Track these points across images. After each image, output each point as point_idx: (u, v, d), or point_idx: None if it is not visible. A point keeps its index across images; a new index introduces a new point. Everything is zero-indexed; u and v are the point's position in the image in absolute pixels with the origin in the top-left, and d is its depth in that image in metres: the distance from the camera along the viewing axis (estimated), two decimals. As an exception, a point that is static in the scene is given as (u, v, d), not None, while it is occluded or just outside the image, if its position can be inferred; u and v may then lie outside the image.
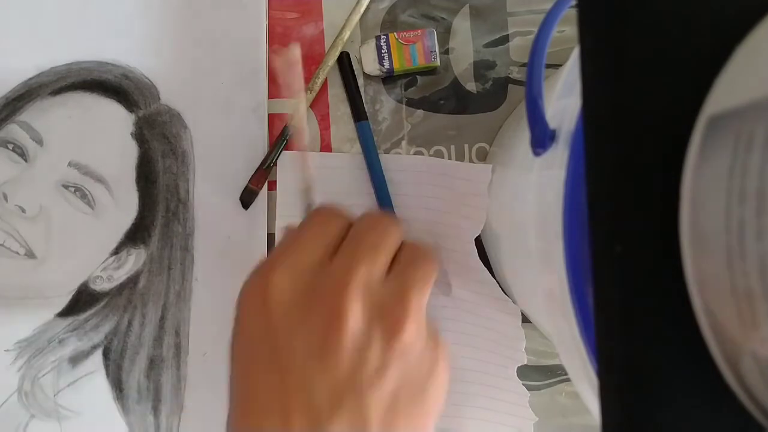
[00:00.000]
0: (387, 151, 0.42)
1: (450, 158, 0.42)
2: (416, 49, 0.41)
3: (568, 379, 0.42)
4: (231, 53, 0.42)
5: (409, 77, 0.42)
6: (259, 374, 0.25)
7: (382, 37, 0.41)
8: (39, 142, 0.41)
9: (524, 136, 0.25)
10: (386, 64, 0.41)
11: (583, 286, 0.21)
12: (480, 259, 0.40)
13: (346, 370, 0.24)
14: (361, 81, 0.42)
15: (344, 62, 0.42)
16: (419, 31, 0.41)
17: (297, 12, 0.42)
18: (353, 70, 0.42)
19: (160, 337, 0.41)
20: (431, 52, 0.41)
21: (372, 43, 0.41)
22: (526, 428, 0.40)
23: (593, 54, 0.18)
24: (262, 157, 0.41)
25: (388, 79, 0.42)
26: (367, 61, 0.41)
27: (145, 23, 0.42)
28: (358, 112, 0.42)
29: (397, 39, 0.41)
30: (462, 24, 0.42)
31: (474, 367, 0.41)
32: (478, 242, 0.40)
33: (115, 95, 0.41)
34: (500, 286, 0.41)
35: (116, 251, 0.41)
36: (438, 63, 0.41)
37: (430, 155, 0.42)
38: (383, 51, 0.41)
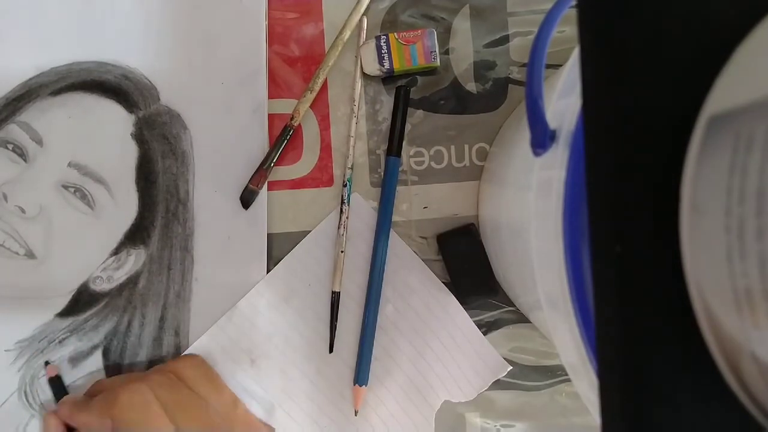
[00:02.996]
0: (387, 151, 0.42)
1: (450, 158, 0.42)
2: (416, 50, 0.41)
3: (568, 379, 0.42)
4: (231, 53, 0.42)
5: (409, 77, 0.42)
6: None
7: (382, 37, 0.41)
8: (39, 142, 0.41)
9: (524, 136, 0.25)
10: (386, 64, 0.41)
11: (583, 286, 0.21)
12: (480, 258, 0.40)
13: None
14: (361, 81, 0.42)
15: (401, 95, 0.42)
16: (419, 31, 0.41)
17: (297, 12, 0.42)
18: (407, 106, 0.42)
19: (160, 337, 0.41)
20: (431, 52, 0.41)
21: (372, 43, 0.41)
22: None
23: (593, 54, 0.18)
24: (262, 157, 0.41)
25: (388, 79, 0.42)
26: (367, 61, 0.41)
27: (145, 24, 0.42)
28: (394, 147, 0.42)
29: (397, 39, 0.41)
30: (462, 24, 0.42)
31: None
32: (478, 243, 0.41)
33: (114, 96, 0.41)
34: (501, 286, 0.41)
35: (116, 252, 0.41)
36: (438, 63, 0.41)
37: (431, 155, 0.42)
38: (383, 51, 0.41)
